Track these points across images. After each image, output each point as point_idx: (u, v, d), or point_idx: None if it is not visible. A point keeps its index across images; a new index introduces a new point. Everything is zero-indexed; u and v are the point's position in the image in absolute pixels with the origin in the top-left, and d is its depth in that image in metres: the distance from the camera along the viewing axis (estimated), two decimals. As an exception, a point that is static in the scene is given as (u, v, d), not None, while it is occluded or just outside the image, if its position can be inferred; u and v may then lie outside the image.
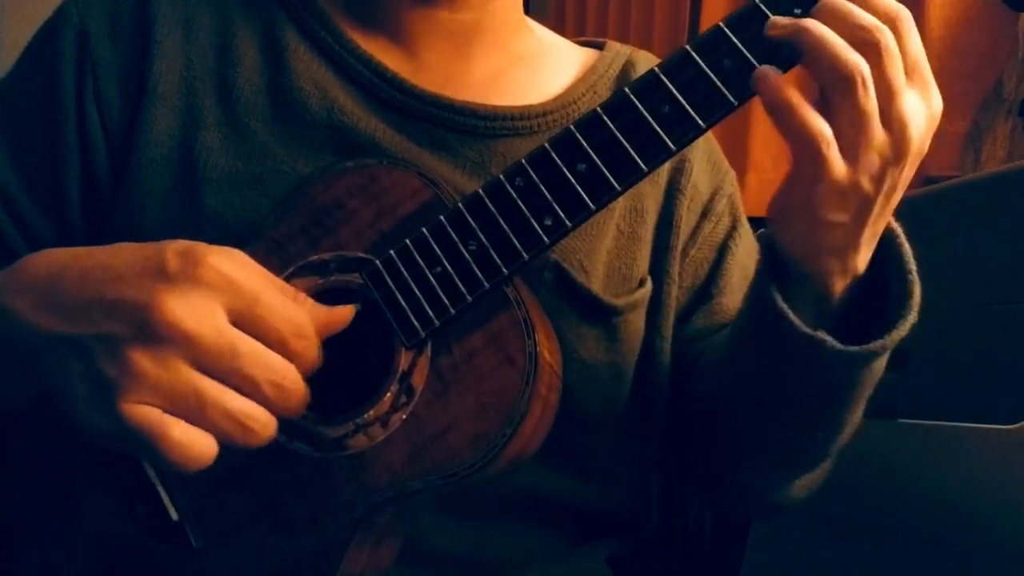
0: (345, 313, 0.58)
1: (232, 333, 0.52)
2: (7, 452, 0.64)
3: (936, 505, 0.89)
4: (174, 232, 0.61)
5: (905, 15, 0.54)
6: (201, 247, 0.53)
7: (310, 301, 0.57)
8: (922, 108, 0.55)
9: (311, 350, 0.55)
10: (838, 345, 0.59)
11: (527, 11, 0.85)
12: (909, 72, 0.54)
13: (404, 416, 0.58)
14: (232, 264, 0.53)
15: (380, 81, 0.73)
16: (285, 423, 0.55)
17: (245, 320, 0.53)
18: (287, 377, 0.53)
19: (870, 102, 0.53)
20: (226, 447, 0.53)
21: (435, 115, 0.72)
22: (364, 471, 0.58)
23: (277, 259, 0.61)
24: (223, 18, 0.74)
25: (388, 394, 0.58)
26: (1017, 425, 0.81)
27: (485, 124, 0.73)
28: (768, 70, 0.54)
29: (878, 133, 0.53)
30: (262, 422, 0.53)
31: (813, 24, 0.53)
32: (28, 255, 0.59)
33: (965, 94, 1.49)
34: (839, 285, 0.60)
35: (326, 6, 0.75)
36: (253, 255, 0.55)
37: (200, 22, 0.73)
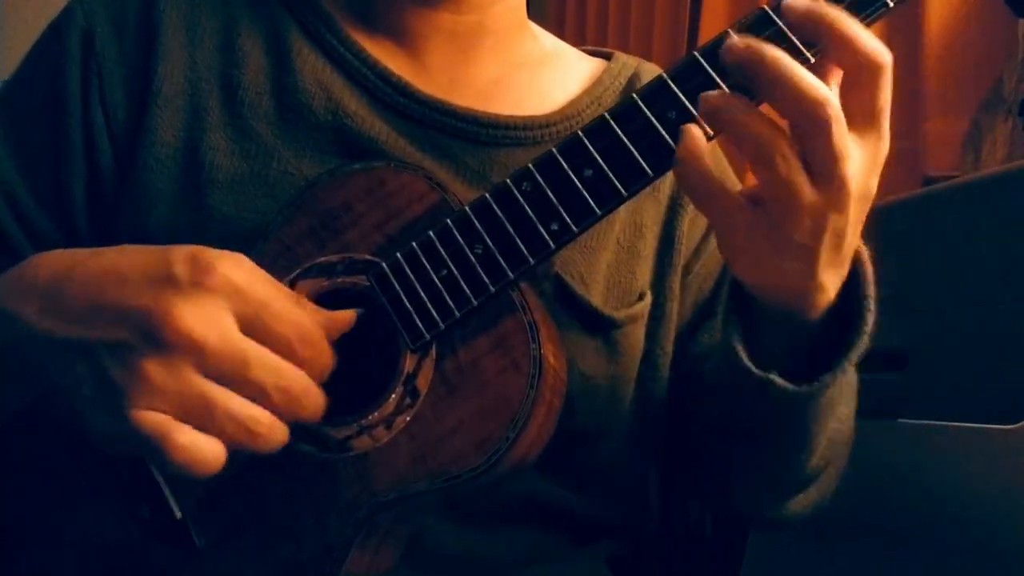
0: (346, 317, 0.58)
1: (240, 340, 0.52)
2: (7, 452, 0.64)
3: (936, 505, 0.89)
4: (180, 233, 0.61)
5: (889, 63, 0.51)
6: (208, 253, 0.53)
7: (311, 306, 0.57)
8: (862, 156, 0.52)
9: (321, 356, 0.56)
10: (788, 386, 0.58)
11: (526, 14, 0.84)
12: (872, 121, 0.52)
13: (408, 418, 0.58)
14: (240, 271, 0.53)
15: (384, 84, 0.73)
16: (292, 424, 0.55)
17: (253, 326, 0.53)
18: (296, 382, 0.54)
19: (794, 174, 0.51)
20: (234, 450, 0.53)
21: (438, 120, 0.72)
22: (368, 472, 0.58)
23: (284, 260, 0.61)
24: (227, 19, 0.74)
25: (393, 396, 0.58)
26: (1017, 425, 0.81)
27: (487, 132, 0.73)
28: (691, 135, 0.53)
29: (808, 197, 0.51)
30: (268, 426, 0.53)
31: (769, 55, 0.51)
32: (31, 257, 0.59)
33: (965, 94, 1.49)
34: (814, 314, 0.58)
35: (329, 7, 0.75)
36: (260, 256, 0.55)
37: (205, 24, 0.73)
